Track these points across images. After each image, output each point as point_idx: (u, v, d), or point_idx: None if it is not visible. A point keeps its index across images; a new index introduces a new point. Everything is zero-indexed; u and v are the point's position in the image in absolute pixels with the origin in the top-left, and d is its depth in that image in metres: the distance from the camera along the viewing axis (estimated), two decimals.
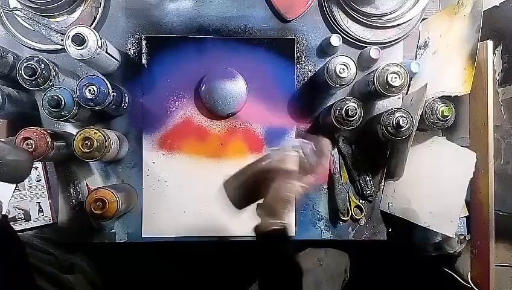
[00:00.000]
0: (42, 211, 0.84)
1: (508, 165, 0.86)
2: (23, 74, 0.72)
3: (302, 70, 0.90)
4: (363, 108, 0.77)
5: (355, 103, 0.76)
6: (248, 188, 0.64)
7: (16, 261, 0.59)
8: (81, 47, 0.71)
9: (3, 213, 0.58)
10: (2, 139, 0.80)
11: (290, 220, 0.63)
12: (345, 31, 0.87)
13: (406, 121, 0.75)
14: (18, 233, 0.83)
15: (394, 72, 0.76)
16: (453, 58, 0.80)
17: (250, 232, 0.83)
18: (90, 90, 0.72)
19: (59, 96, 0.72)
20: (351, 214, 0.88)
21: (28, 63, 0.72)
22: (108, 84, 0.74)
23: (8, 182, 0.64)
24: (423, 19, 0.89)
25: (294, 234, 0.88)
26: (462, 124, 0.87)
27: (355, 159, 0.88)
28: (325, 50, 0.89)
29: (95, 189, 0.77)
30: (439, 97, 0.79)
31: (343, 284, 0.90)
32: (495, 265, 0.79)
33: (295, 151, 0.62)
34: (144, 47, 0.87)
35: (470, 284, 0.84)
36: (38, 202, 0.84)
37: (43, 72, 0.73)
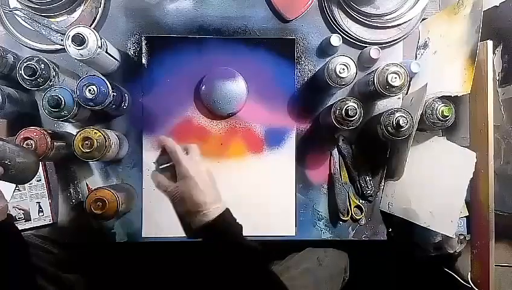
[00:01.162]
0: (42, 211, 0.84)
1: (508, 165, 0.86)
2: (23, 74, 0.72)
3: (302, 70, 0.90)
4: (363, 108, 0.77)
5: (355, 103, 0.76)
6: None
7: (18, 261, 0.59)
8: (81, 47, 0.71)
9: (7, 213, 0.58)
10: (2, 138, 0.80)
11: (220, 201, 0.63)
12: (345, 31, 0.87)
13: (406, 121, 0.75)
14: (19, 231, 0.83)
15: (394, 72, 0.76)
16: (453, 58, 0.80)
17: (250, 232, 0.83)
18: (90, 90, 0.72)
19: (59, 96, 0.72)
20: (351, 214, 0.88)
21: (28, 63, 0.72)
22: (108, 84, 0.73)
23: (16, 183, 0.65)
24: (423, 19, 0.89)
25: (294, 234, 0.88)
26: (462, 124, 0.87)
27: (355, 159, 0.88)
28: (325, 50, 0.89)
29: (95, 189, 0.77)
30: (439, 97, 0.79)
31: (342, 283, 0.90)
32: (495, 265, 0.79)
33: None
34: (143, 47, 0.87)
35: (470, 284, 0.84)
36: (38, 202, 0.84)
37: (43, 72, 0.73)
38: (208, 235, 0.61)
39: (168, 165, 0.64)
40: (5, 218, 0.57)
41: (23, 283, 0.59)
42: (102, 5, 0.85)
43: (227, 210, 0.63)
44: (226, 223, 0.61)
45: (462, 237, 0.89)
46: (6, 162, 0.56)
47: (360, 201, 0.89)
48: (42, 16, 0.82)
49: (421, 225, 0.83)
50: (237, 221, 0.63)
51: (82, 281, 0.76)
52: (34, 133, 0.71)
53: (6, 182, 0.59)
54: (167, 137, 0.64)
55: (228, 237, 0.61)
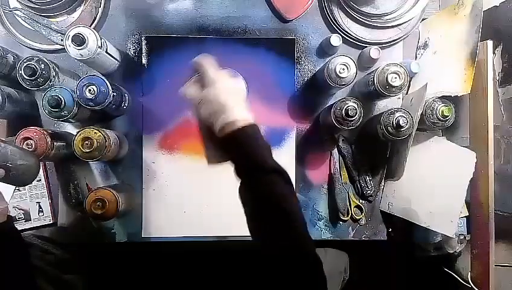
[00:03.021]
0: (42, 211, 0.84)
1: (508, 165, 0.86)
2: (23, 74, 0.72)
3: (302, 70, 0.90)
4: (363, 108, 0.77)
5: (355, 103, 0.76)
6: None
7: (18, 262, 0.59)
8: (81, 47, 0.71)
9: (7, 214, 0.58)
10: (4, 139, 0.80)
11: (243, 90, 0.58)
12: (345, 31, 0.87)
13: (406, 121, 0.75)
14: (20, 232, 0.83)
15: (394, 72, 0.76)
16: (453, 58, 0.80)
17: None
18: (90, 90, 0.72)
19: (59, 96, 0.72)
20: (351, 214, 0.88)
21: (28, 63, 0.72)
22: (108, 84, 0.73)
23: (16, 185, 0.64)
24: (423, 19, 0.89)
25: None
26: (462, 124, 0.87)
27: (355, 159, 0.88)
28: (325, 50, 0.89)
29: (95, 189, 0.77)
30: (439, 97, 0.79)
31: (342, 283, 0.90)
32: (495, 265, 0.79)
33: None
34: (143, 47, 0.87)
35: (470, 284, 0.84)
36: (38, 202, 0.84)
37: (43, 72, 0.73)
38: (229, 143, 0.55)
39: (196, 75, 0.60)
40: (5, 220, 0.57)
41: (23, 284, 0.59)
42: (102, 5, 0.85)
43: (255, 125, 0.56)
44: (252, 135, 0.54)
45: (462, 237, 0.89)
46: (7, 164, 0.56)
47: (360, 201, 0.89)
48: (42, 16, 0.82)
49: (421, 225, 0.83)
50: (264, 140, 0.56)
51: (82, 282, 0.76)
52: (34, 133, 0.71)
53: (13, 185, 0.59)
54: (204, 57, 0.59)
55: (250, 150, 0.54)
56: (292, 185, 0.57)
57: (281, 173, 0.55)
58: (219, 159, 0.60)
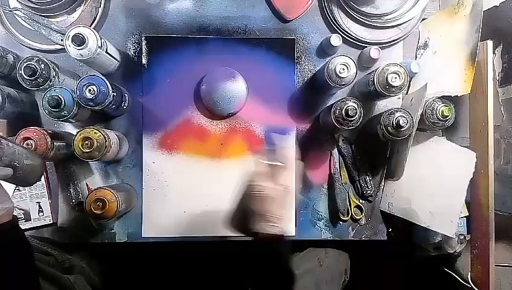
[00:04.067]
0: (42, 211, 0.84)
1: (508, 165, 0.86)
2: (23, 74, 0.72)
3: (302, 70, 0.90)
4: (363, 108, 0.77)
5: (355, 103, 0.76)
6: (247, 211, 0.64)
7: (23, 262, 0.59)
8: (81, 47, 0.71)
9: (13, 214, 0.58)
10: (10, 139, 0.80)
11: (287, 223, 0.63)
12: (345, 31, 0.87)
13: (406, 121, 0.75)
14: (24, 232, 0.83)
15: (394, 72, 0.76)
16: (453, 58, 0.80)
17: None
18: (90, 90, 0.72)
19: (59, 96, 0.72)
20: (351, 214, 0.88)
21: (28, 63, 0.72)
22: (108, 84, 0.73)
23: (21, 185, 0.64)
24: (423, 19, 0.89)
25: (294, 234, 0.88)
26: (462, 124, 0.87)
27: (355, 159, 0.88)
28: (325, 50, 0.89)
29: (95, 189, 0.77)
30: (439, 97, 0.79)
31: (343, 284, 0.90)
32: (495, 265, 0.79)
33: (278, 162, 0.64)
34: (143, 47, 0.87)
35: (470, 284, 0.84)
36: (38, 202, 0.84)
37: (43, 72, 0.73)
38: (261, 242, 0.63)
39: (276, 164, 0.64)
40: (10, 219, 0.57)
41: (27, 283, 0.59)
42: (102, 5, 0.85)
43: (285, 237, 0.64)
44: (281, 244, 0.64)
45: (462, 237, 0.89)
46: (15, 163, 0.56)
47: (360, 201, 0.89)
48: (42, 16, 0.82)
49: (421, 225, 0.83)
50: (288, 251, 0.67)
51: (81, 282, 0.76)
52: (34, 133, 0.71)
53: (6, 183, 0.59)
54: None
55: (273, 254, 0.64)
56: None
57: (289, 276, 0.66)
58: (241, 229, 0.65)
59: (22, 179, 0.59)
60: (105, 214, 0.74)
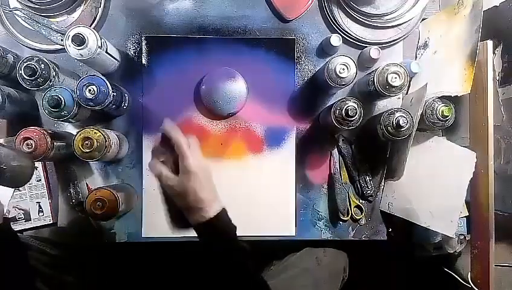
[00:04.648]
0: (42, 211, 0.84)
1: (508, 165, 0.86)
2: (23, 74, 0.72)
3: (302, 70, 0.90)
4: (363, 108, 0.77)
5: (355, 103, 0.76)
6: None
7: (16, 264, 0.59)
8: (81, 47, 0.71)
9: (4, 216, 0.58)
10: (2, 142, 0.80)
11: (214, 204, 0.62)
12: (345, 31, 0.87)
13: (406, 121, 0.75)
14: (17, 233, 0.83)
15: (394, 72, 0.76)
16: (453, 58, 0.80)
17: (251, 232, 0.83)
18: (90, 90, 0.72)
19: (59, 96, 0.72)
20: (351, 214, 0.88)
21: (28, 63, 0.72)
22: (108, 84, 0.73)
23: (10, 187, 0.63)
24: (423, 19, 0.89)
25: (294, 234, 0.88)
26: (462, 124, 0.87)
27: (355, 159, 0.88)
28: (325, 50, 0.89)
29: (95, 189, 0.77)
30: (439, 97, 0.79)
31: (342, 283, 0.90)
32: (495, 265, 0.79)
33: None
34: (143, 47, 0.87)
35: (470, 284, 0.84)
36: (38, 202, 0.84)
37: (43, 72, 0.73)
38: (204, 233, 0.62)
39: (168, 155, 0.63)
40: (1, 222, 0.57)
41: (20, 286, 0.59)
42: (102, 5, 0.85)
43: (224, 210, 0.63)
44: (223, 222, 0.62)
45: (462, 237, 0.89)
46: (1, 166, 0.55)
47: (360, 201, 0.89)
48: (42, 16, 0.82)
49: (421, 225, 0.83)
50: (232, 221, 0.64)
51: (81, 283, 0.76)
52: (34, 133, 0.71)
53: (8, 187, 0.59)
54: (174, 126, 0.63)
55: (223, 237, 0.62)
56: (251, 261, 0.64)
57: (245, 251, 0.63)
58: (181, 226, 0.65)
59: (10, 180, 0.58)
60: (105, 214, 0.74)
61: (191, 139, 0.65)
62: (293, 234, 0.88)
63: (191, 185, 0.60)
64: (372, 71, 0.80)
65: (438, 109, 0.78)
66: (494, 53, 0.85)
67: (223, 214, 0.62)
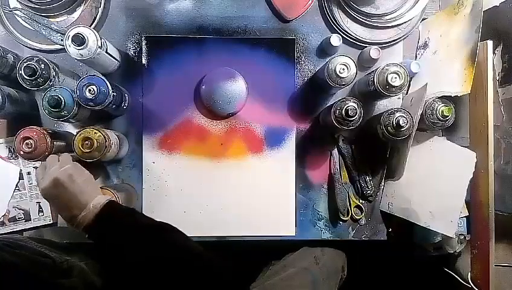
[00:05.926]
0: (42, 211, 0.84)
1: (508, 165, 0.86)
2: (23, 74, 0.72)
3: (302, 70, 0.90)
4: (363, 108, 0.77)
5: (355, 103, 0.76)
6: None
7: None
8: (81, 47, 0.71)
9: None
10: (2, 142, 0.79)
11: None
12: (345, 31, 0.87)
13: (406, 121, 0.75)
14: (17, 234, 0.83)
15: (394, 72, 0.76)
16: (453, 58, 0.80)
17: (251, 232, 0.83)
18: (90, 90, 0.72)
19: (59, 96, 0.72)
20: (351, 214, 0.88)
21: (28, 63, 0.72)
22: (108, 84, 0.73)
23: None
24: (423, 19, 0.89)
25: (295, 234, 0.88)
26: (462, 124, 0.87)
27: (355, 159, 0.88)
28: (325, 50, 0.89)
29: None
30: (439, 97, 0.79)
31: (340, 282, 0.90)
32: (495, 265, 0.79)
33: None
34: (143, 47, 0.87)
35: (470, 284, 0.84)
36: (38, 202, 0.84)
37: (43, 72, 0.73)
38: (94, 235, 0.61)
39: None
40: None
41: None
42: (102, 5, 0.85)
43: (108, 203, 0.62)
44: (108, 216, 0.61)
45: (462, 237, 0.89)
46: None
47: (360, 201, 0.89)
48: (42, 16, 0.82)
49: (421, 225, 0.83)
50: (124, 207, 0.64)
51: (79, 286, 0.75)
52: (34, 133, 0.71)
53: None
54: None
55: (118, 228, 0.60)
56: (178, 230, 0.63)
57: (163, 227, 0.62)
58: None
59: None
60: None
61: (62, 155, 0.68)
62: (293, 234, 0.88)
63: (55, 199, 0.62)
64: (372, 71, 0.80)
65: (438, 109, 0.78)
66: (494, 53, 0.85)
67: (108, 209, 0.62)
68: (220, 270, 0.58)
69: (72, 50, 0.72)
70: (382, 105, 0.90)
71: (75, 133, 0.74)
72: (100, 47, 0.73)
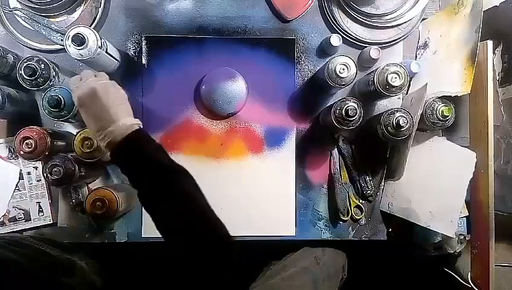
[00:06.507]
0: (42, 211, 0.84)
1: (508, 165, 0.86)
2: (23, 74, 0.72)
3: (302, 70, 0.90)
4: (363, 108, 0.77)
5: (355, 103, 0.76)
6: None
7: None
8: (81, 47, 0.71)
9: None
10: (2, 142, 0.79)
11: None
12: (345, 31, 0.87)
13: (406, 121, 0.75)
14: (17, 233, 0.83)
15: (394, 72, 0.76)
16: (453, 58, 0.80)
17: (251, 232, 0.83)
18: None
19: (59, 96, 0.72)
20: (351, 214, 0.88)
21: (28, 63, 0.72)
22: None
23: None
24: (423, 19, 0.89)
25: (295, 234, 0.88)
26: (462, 124, 0.87)
27: (355, 159, 0.88)
28: (325, 50, 0.89)
29: (95, 189, 0.77)
30: (439, 97, 0.79)
31: (341, 282, 0.90)
32: (495, 265, 0.79)
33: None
34: (143, 47, 0.87)
35: (470, 284, 0.84)
36: (38, 202, 0.84)
37: (43, 72, 0.73)
38: (118, 156, 0.60)
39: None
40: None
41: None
42: (102, 5, 0.85)
43: (141, 128, 0.63)
44: (136, 141, 0.61)
45: (462, 237, 0.89)
46: None
47: (360, 201, 0.89)
48: (42, 16, 0.82)
49: (421, 225, 0.83)
50: (152, 139, 0.63)
51: (80, 284, 0.75)
52: (34, 133, 0.71)
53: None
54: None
55: (142, 157, 0.60)
56: (193, 179, 0.63)
57: (180, 171, 0.62)
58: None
59: None
60: (105, 214, 0.74)
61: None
62: (293, 234, 0.88)
63: (87, 109, 0.61)
64: (372, 71, 0.80)
65: (438, 109, 0.78)
66: (494, 53, 0.85)
67: (141, 131, 0.62)
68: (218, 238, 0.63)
69: (72, 50, 0.72)
70: (382, 105, 0.90)
71: (75, 133, 0.74)
72: (100, 47, 0.73)
